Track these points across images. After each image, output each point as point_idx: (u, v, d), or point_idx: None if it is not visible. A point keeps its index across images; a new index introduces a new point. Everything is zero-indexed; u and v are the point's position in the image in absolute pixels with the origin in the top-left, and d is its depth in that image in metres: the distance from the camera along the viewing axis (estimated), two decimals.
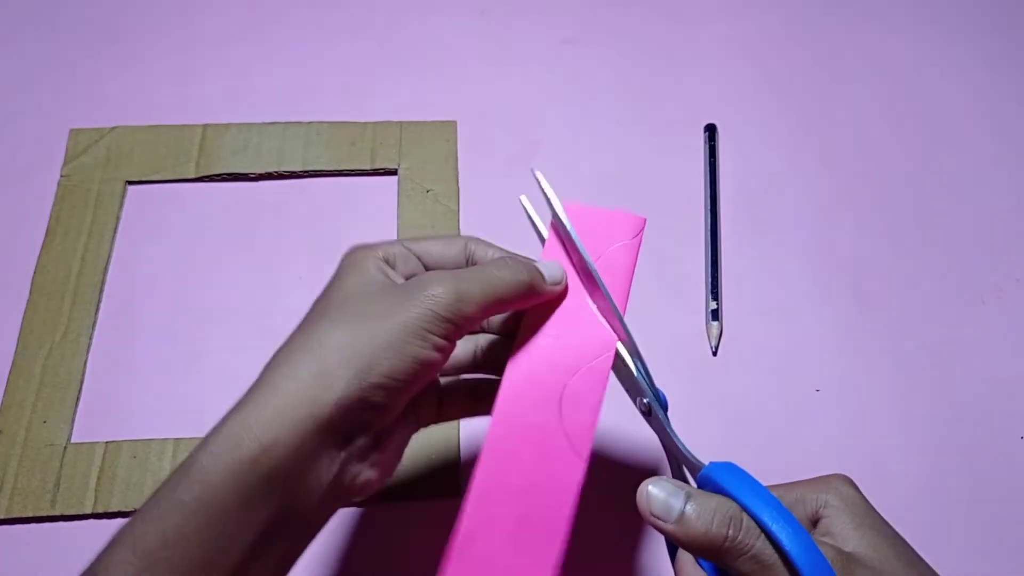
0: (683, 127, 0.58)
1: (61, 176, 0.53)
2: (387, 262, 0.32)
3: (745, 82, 0.61)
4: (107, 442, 0.45)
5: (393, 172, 0.55)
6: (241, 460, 0.27)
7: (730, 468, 0.29)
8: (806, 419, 0.48)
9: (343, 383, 0.28)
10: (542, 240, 0.36)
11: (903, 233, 0.55)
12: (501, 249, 0.35)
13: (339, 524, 0.43)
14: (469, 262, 0.34)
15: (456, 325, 0.30)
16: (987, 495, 0.46)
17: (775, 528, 0.26)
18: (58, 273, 0.50)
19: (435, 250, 0.34)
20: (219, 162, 0.54)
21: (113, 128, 0.55)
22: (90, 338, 0.48)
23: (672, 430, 0.33)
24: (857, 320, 0.51)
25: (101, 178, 0.53)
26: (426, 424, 0.36)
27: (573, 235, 0.33)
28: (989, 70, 0.62)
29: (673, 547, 0.33)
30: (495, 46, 0.62)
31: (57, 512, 0.43)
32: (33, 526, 0.43)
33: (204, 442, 0.28)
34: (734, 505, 0.28)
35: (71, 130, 0.55)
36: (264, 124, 0.56)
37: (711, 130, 0.57)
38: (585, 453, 0.31)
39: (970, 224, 0.55)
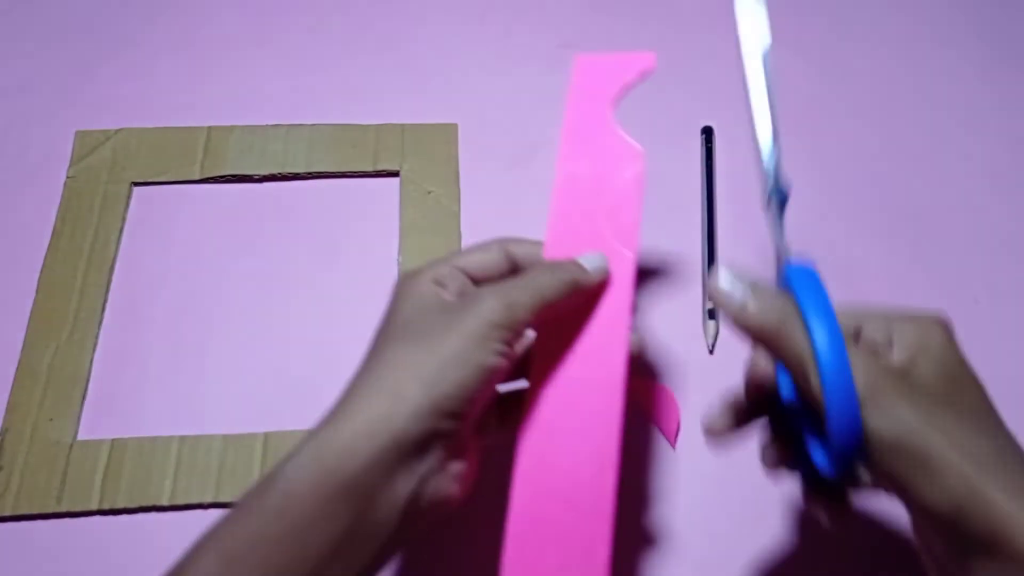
0: (680, 129, 0.59)
1: (67, 177, 0.54)
2: (438, 283, 0.34)
3: (741, 85, 0.61)
4: (113, 440, 0.45)
5: (395, 174, 0.56)
6: (322, 470, 0.29)
7: (804, 272, 0.31)
8: None
9: (416, 396, 0.30)
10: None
11: (896, 234, 0.55)
12: (535, 242, 0.37)
13: None
14: (509, 260, 0.37)
15: (512, 331, 0.32)
16: None
17: (813, 327, 0.28)
18: (64, 273, 0.50)
19: (475, 260, 0.36)
20: (224, 164, 0.55)
21: (119, 130, 0.56)
22: (96, 337, 0.49)
23: (780, 223, 0.34)
24: None
25: (107, 179, 0.54)
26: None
27: None
28: (981, 74, 0.63)
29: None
30: (494, 50, 0.62)
31: (63, 509, 0.43)
32: (39, 523, 0.43)
33: (288, 456, 0.30)
34: (791, 304, 0.30)
35: (77, 132, 0.56)
36: (268, 126, 0.56)
37: (708, 132, 0.58)
38: (633, 246, 0.35)
39: (962, 224, 0.56)
